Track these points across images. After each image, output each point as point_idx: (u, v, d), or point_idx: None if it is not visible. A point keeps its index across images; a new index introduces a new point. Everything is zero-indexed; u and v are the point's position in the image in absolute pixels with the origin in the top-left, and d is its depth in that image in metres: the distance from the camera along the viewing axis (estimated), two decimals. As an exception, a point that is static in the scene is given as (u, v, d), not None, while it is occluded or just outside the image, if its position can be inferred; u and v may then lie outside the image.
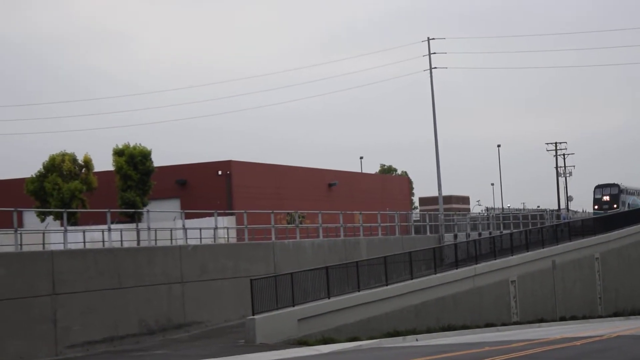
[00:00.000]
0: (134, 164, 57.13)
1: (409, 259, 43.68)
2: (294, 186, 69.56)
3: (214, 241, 43.79)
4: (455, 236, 63.90)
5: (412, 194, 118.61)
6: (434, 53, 70.71)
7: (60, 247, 34.48)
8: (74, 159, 57.48)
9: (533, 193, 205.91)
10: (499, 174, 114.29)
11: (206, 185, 63.44)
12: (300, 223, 52.63)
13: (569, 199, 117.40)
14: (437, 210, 69.92)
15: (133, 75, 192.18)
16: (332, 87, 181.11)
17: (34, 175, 57.18)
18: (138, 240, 41.89)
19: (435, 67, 70.61)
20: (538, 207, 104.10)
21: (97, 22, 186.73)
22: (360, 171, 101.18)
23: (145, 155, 57.53)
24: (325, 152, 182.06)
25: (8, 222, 34.53)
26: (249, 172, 65.43)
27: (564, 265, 57.47)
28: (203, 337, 35.07)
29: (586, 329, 43.74)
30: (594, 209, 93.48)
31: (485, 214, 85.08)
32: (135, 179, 56.88)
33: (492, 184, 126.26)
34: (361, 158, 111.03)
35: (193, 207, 54.36)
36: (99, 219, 48.49)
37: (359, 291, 39.01)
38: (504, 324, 48.21)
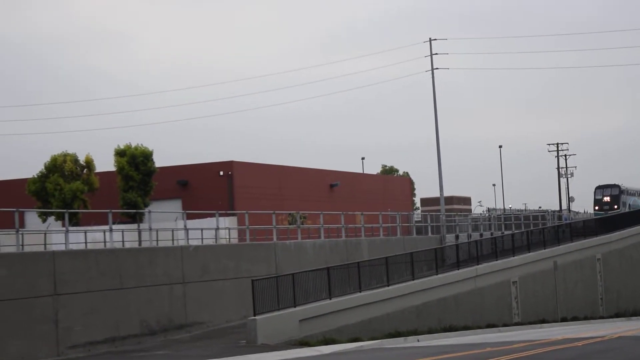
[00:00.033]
0: (135, 165, 57.14)
1: (410, 259, 43.66)
2: (296, 187, 69.55)
3: (216, 242, 43.83)
4: (457, 237, 63.85)
5: (414, 195, 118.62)
6: (436, 54, 70.80)
7: (62, 247, 34.55)
8: (75, 160, 57.46)
9: (535, 194, 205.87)
10: (501, 175, 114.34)
11: (208, 186, 63.43)
12: (302, 224, 52.59)
13: (570, 199, 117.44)
14: (439, 211, 69.89)
15: (133, 75, 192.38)
16: (332, 88, 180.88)
17: (36, 176, 57.17)
18: (139, 241, 41.91)
19: (437, 68, 70.75)
20: (540, 207, 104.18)
21: (97, 22, 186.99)
22: (361, 172, 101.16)
23: (146, 156, 57.53)
24: (326, 152, 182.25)
25: (10, 222, 34.57)
26: (250, 173, 65.43)
27: (565, 266, 57.44)
28: (204, 338, 35.08)
29: (588, 330, 43.72)
30: (594, 209, 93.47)
31: (487, 215, 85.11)
32: (137, 179, 56.88)
33: (494, 185, 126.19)
34: (363, 159, 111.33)
35: (194, 207, 54.42)
36: (101, 220, 48.62)
37: (360, 292, 39.00)
38: (505, 325, 48.17)
